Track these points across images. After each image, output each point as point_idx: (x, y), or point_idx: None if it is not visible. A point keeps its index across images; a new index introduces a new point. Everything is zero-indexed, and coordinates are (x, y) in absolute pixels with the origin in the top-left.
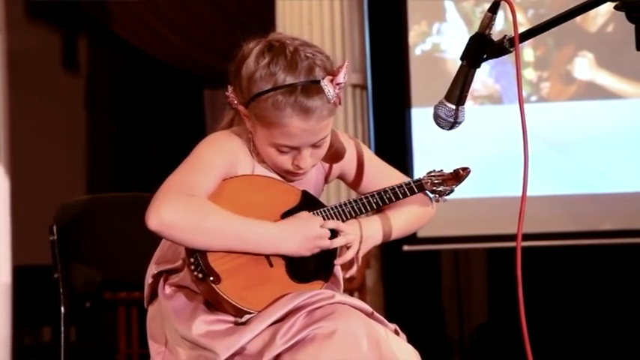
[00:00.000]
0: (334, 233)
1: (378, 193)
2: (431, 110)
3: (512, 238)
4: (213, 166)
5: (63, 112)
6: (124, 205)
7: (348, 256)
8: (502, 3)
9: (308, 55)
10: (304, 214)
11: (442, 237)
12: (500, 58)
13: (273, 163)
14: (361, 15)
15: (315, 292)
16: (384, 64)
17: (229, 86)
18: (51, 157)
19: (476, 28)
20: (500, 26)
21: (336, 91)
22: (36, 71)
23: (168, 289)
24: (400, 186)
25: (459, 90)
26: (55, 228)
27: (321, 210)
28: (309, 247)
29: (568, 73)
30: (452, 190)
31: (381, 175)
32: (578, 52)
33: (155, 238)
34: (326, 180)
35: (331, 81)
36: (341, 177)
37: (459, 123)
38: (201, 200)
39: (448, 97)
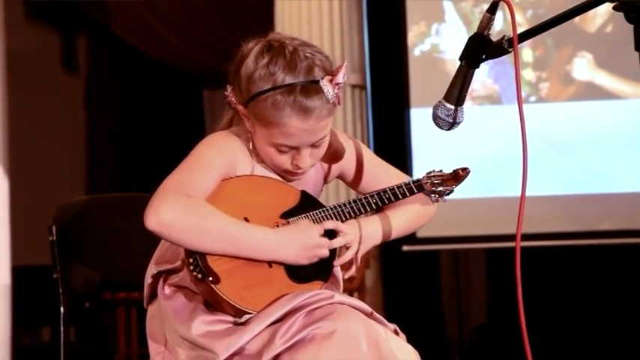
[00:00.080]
0: (333, 233)
1: (378, 193)
2: (430, 110)
3: (511, 238)
4: (212, 167)
5: (62, 112)
6: (123, 205)
7: (348, 256)
8: (501, 3)
9: (307, 55)
10: (304, 221)
11: (441, 237)
12: (499, 59)
13: (273, 162)
14: (360, 15)
15: (315, 293)
16: (383, 64)
17: (228, 86)
18: (50, 157)
19: (475, 28)
20: (499, 26)
21: (336, 91)
22: (35, 71)
23: (167, 290)
24: (399, 186)
25: (457, 90)
26: (54, 228)
27: (321, 210)
28: (307, 256)
29: (567, 73)
30: (451, 191)
31: (380, 174)
32: (577, 53)
33: (154, 239)
34: (325, 180)
35: (330, 81)
36: (340, 177)
37: (458, 123)
38: (200, 201)
39: (447, 97)
